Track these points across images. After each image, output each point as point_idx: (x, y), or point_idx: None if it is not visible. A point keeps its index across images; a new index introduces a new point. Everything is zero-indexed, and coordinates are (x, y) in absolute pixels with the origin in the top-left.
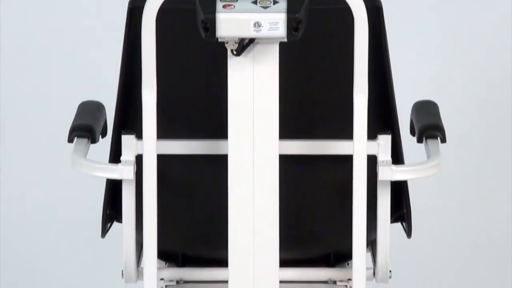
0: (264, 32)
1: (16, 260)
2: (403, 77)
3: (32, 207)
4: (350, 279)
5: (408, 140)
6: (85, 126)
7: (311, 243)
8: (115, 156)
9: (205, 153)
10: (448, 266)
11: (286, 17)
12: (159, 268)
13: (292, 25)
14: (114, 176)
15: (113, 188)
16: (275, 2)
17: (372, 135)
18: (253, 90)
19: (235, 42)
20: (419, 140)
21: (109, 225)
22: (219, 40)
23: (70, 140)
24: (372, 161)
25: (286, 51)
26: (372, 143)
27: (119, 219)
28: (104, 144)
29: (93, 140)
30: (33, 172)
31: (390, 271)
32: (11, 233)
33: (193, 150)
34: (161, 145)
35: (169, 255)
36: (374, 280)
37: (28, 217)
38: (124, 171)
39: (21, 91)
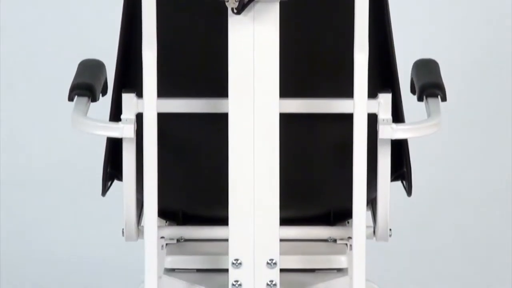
0: None
1: (16, 219)
2: (404, 35)
3: (33, 166)
4: (350, 238)
5: (409, 99)
6: (86, 84)
7: (311, 202)
8: (116, 115)
9: (205, 111)
10: (448, 224)
11: None
12: (159, 227)
13: None
14: (115, 134)
15: (114, 147)
16: None
17: (372, 93)
18: (254, 49)
19: (235, 1)
20: (420, 99)
21: (109, 183)
22: None
23: (71, 98)
24: (372, 119)
25: (287, 10)
26: (373, 101)
27: (119, 177)
28: (104, 103)
29: (94, 99)
30: (33, 131)
31: (390, 229)
32: (11, 193)
33: (193, 109)
34: (162, 103)
35: (169, 213)
36: (374, 238)
37: (29, 175)
38: (124, 130)
39: (21, 49)
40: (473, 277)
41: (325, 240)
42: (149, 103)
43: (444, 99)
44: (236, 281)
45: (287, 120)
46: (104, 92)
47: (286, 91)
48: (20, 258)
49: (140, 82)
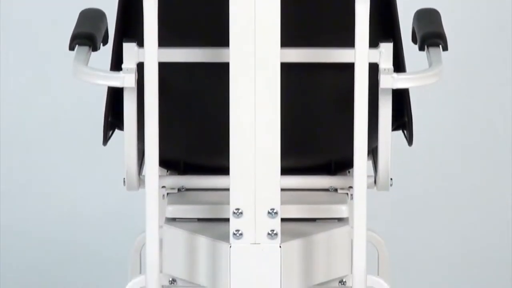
0: None
1: (18, 168)
2: None
3: (33, 115)
4: (351, 187)
5: (410, 50)
6: (86, 33)
7: (313, 151)
8: (116, 64)
9: (206, 61)
10: (449, 173)
11: None
12: (160, 176)
13: None
14: (116, 83)
15: (115, 97)
16: None
17: (374, 43)
18: None
19: None
20: (421, 48)
21: (110, 133)
22: None
23: (71, 48)
24: (373, 69)
25: None
26: (374, 51)
27: (120, 127)
28: (105, 54)
29: (94, 48)
30: (34, 81)
31: (391, 179)
32: (12, 141)
33: (194, 58)
34: (163, 53)
35: (170, 163)
36: (375, 188)
37: (30, 123)
38: (125, 79)
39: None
40: (475, 223)
41: (326, 190)
42: (150, 52)
43: (445, 48)
44: (237, 230)
45: (288, 70)
46: (105, 41)
47: (287, 40)
48: (20, 206)
49: (141, 32)
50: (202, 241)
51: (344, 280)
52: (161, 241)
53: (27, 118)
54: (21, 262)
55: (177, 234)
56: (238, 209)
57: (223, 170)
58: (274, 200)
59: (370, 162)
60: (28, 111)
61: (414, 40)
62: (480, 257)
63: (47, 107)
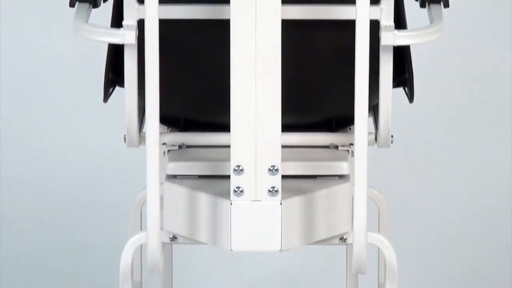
0: None
1: (15, 126)
2: None
3: (34, 72)
4: (352, 144)
5: (411, 7)
6: None
7: (313, 108)
8: (117, 21)
9: (207, 17)
10: (450, 130)
11: None
12: (161, 133)
13: None
14: (116, 40)
15: (115, 54)
16: None
17: (375, 0)
18: None
19: None
20: (422, 5)
21: (111, 90)
22: None
23: (72, 4)
24: (374, 26)
25: None
26: (375, 8)
27: (121, 84)
28: (105, 11)
29: (95, 5)
30: (35, 38)
31: (392, 136)
32: (10, 99)
33: (195, 15)
34: (163, 9)
35: (171, 120)
36: (375, 145)
37: (30, 80)
38: (126, 36)
39: None
40: (477, 179)
41: (327, 147)
42: (151, 9)
43: (446, 5)
44: (238, 187)
45: (289, 27)
46: None
47: None
48: (19, 166)
49: None
50: (203, 198)
51: (344, 237)
52: (161, 198)
53: (28, 75)
54: (19, 213)
55: (178, 191)
56: (238, 166)
57: (224, 127)
58: (274, 157)
59: (371, 119)
60: (28, 67)
61: None
62: (481, 212)
63: (47, 64)
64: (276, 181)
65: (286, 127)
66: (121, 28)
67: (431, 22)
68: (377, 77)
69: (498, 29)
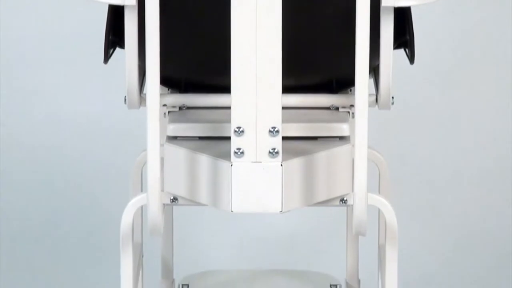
0: None
1: (18, 88)
2: None
3: (34, 33)
4: (352, 105)
5: None
6: None
7: (314, 70)
8: None
9: None
10: (451, 91)
11: None
12: (161, 94)
13: None
14: (116, 1)
15: (116, 14)
16: None
17: None
18: None
19: None
20: None
21: (111, 51)
22: None
23: None
24: None
25: None
26: None
27: (121, 45)
28: None
29: None
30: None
31: (392, 97)
32: (11, 62)
33: None
34: None
35: (171, 81)
36: (376, 106)
37: (30, 42)
38: None
39: None
40: (478, 141)
41: (327, 108)
42: None
43: None
44: (238, 148)
45: None
46: None
47: None
48: (21, 129)
49: None
50: (203, 160)
51: (345, 198)
52: (162, 160)
53: (28, 37)
54: (20, 175)
55: (178, 152)
56: (239, 127)
57: (225, 88)
58: (275, 118)
59: (372, 81)
60: (29, 30)
61: None
62: (482, 172)
63: (47, 25)
64: (277, 143)
65: (287, 89)
66: None
67: None
68: (377, 39)
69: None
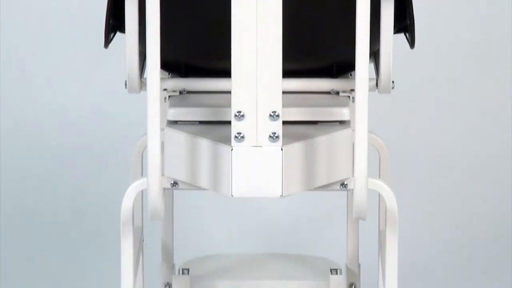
0: None
1: (17, 70)
2: None
3: (35, 16)
4: (352, 90)
5: None
6: None
7: (314, 54)
8: None
9: None
10: (451, 75)
11: None
12: (162, 79)
13: None
14: None
15: None
16: None
17: None
18: None
19: None
20: None
21: (112, 35)
22: None
23: None
24: None
25: None
26: None
27: (122, 29)
28: None
29: None
30: None
31: (392, 81)
32: (11, 47)
33: None
34: None
35: (172, 65)
36: (376, 91)
37: (31, 24)
38: None
39: None
40: (479, 124)
41: (328, 93)
42: None
43: None
44: (239, 133)
45: None
46: None
47: None
48: (21, 113)
49: None
50: (204, 144)
51: (345, 183)
52: (162, 144)
53: (29, 22)
54: (20, 159)
55: (179, 136)
56: (239, 111)
57: (225, 72)
58: (275, 102)
59: (372, 65)
60: (29, 15)
61: None
62: (483, 156)
63: (48, 10)
64: (277, 127)
65: (287, 73)
66: None
67: None
68: (378, 23)
69: None
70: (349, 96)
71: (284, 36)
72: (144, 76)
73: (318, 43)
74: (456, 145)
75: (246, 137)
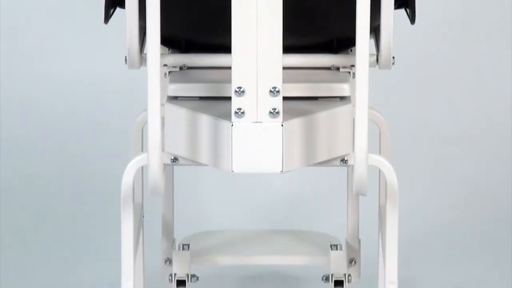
0: None
1: (19, 45)
2: None
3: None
4: (353, 66)
5: None
6: None
7: (315, 30)
8: None
9: None
10: (451, 51)
11: None
12: (162, 54)
13: None
14: None
15: None
16: None
17: None
18: None
19: None
20: None
21: (112, 10)
22: None
23: None
24: None
25: None
26: None
27: (122, 5)
28: None
29: None
30: None
31: (393, 57)
32: (12, 24)
33: None
34: None
35: (172, 41)
36: (377, 66)
37: (31, 6)
38: None
39: None
40: (478, 100)
41: (328, 68)
42: None
43: None
44: (239, 109)
45: None
46: None
47: None
48: (21, 89)
49: None
50: (204, 119)
51: (345, 158)
52: (162, 120)
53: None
54: (20, 135)
55: (179, 112)
56: (240, 87)
57: (225, 48)
58: (276, 78)
59: (372, 41)
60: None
61: None
62: (483, 132)
63: None
64: (277, 103)
65: (288, 49)
66: None
67: None
68: None
69: None
70: (349, 72)
71: (285, 12)
72: (144, 52)
73: (318, 19)
74: (456, 120)
75: (246, 113)
